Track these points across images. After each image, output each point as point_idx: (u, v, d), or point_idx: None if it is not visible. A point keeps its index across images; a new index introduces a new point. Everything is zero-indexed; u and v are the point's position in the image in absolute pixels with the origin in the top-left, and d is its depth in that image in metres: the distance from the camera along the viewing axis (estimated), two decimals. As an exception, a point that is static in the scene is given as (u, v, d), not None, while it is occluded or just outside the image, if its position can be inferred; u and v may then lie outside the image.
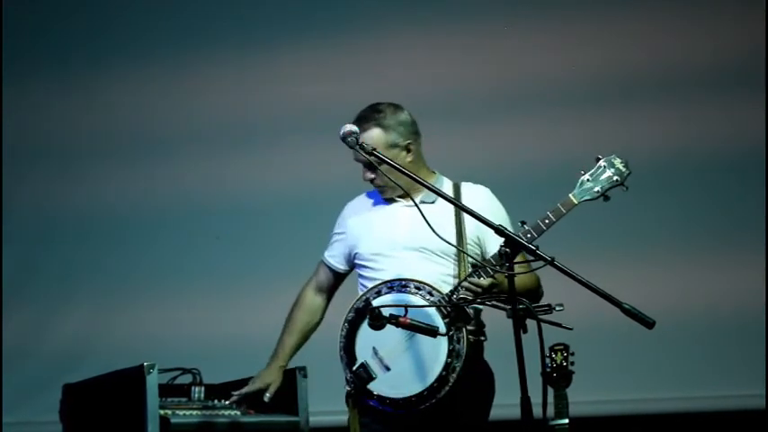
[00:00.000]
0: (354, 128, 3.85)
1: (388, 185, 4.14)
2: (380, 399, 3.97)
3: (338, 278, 4.36)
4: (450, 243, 3.90)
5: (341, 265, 4.33)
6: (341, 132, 3.87)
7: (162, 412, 4.23)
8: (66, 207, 6.54)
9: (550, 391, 3.47)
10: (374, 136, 4.12)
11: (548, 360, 3.48)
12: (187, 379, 4.62)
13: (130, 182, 6.50)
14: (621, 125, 6.12)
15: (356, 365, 3.99)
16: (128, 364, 4.31)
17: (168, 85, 6.54)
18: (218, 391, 4.57)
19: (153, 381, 4.20)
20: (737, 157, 6.03)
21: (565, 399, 3.48)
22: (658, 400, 6.03)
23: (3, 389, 6.29)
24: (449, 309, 3.85)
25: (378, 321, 3.65)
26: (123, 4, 6.61)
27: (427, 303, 3.91)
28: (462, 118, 6.22)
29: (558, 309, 3.43)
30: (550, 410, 3.45)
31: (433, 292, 3.97)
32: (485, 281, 3.89)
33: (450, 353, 3.89)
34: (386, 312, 3.67)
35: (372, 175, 4.14)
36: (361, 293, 4.13)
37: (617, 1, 6.24)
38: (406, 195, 4.08)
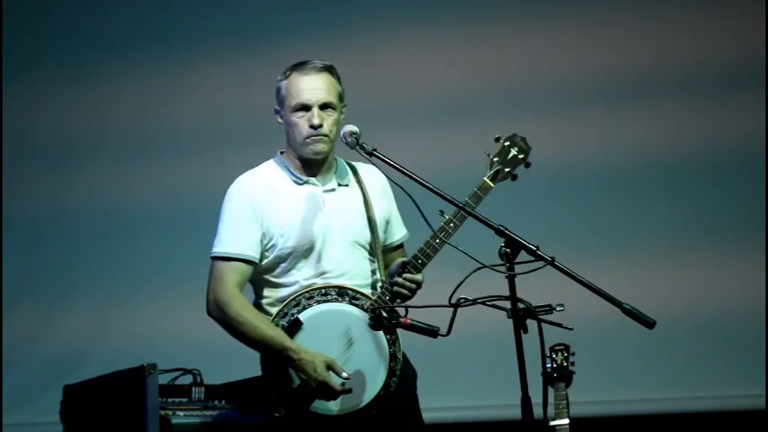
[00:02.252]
0: (355, 128, 3.84)
1: (331, 137, 3.87)
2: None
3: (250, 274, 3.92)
4: (455, 247, 3.88)
5: (257, 255, 3.89)
6: (341, 132, 3.86)
7: (162, 413, 4.24)
8: (67, 208, 6.54)
9: (551, 391, 3.46)
10: (330, 80, 3.92)
11: (548, 360, 3.48)
12: (187, 379, 4.62)
13: (131, 182, 6.50)
14: (621, 126, 6.12)
15: (294, 386, 3.79)
16: (128, 364, 4.31)
17: (165, 86, 6.54)
18: (218, 392, 4.57)
19: (153, 381, 4.20)
20: (737, 157, 6.03)
21: (565, 399, 3.48)
22: (658, 400, 6.03)
23: (3, 390, 6.29)
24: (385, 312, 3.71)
25: (379, 322, 3.64)
26: (122, 7, 6.61)
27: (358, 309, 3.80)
28: (462, 118, 6.22)
29: (558, 309, 3.42)
30: (551, 411, 3.45)
31: (358, 296, 3.86)
32: (419, 276, 3.82)
33: (392, 357, 3.84)
34: (385, 313, 3.65)
35: (320, 121, 3.86)
36: (276, 308, 3.88)
37: (617, 1, 6.23)
38: (320, 173, 3.92)
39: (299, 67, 3.95)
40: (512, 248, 3.45)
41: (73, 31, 6.63)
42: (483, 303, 3.55)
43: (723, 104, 6.07)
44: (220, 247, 3.92)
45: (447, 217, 3.80)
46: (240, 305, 3.87)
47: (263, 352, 3.86)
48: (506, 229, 3.55)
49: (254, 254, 3.89)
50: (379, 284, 3.95)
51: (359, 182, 4.01)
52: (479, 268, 3.72)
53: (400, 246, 4.08)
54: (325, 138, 3.88)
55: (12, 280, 6.48)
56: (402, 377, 3.90)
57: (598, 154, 5.99)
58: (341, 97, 3.97)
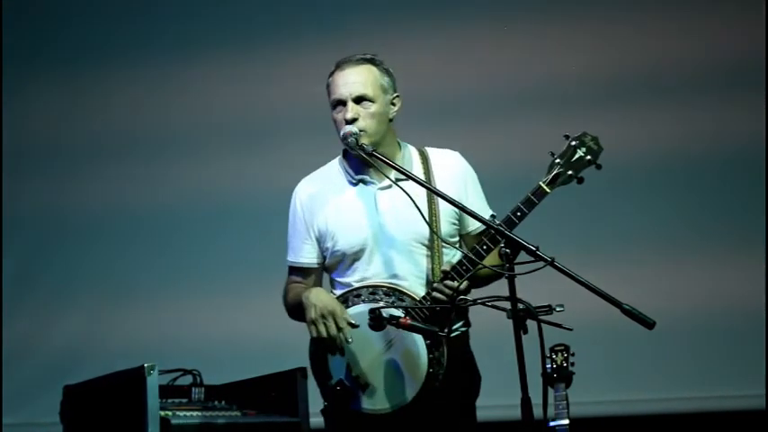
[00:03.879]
0: (355, 129, 3.82)
1: (369, 131, 3.80)
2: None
3: (321, 273, 3.96)
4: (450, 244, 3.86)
5: (314, 259, 3.93)
6: (341, 132, 3.85)
7: (162, 413, 4.24)
8: (66, 209, 6.55)
9: (551, 391, 3.46)
10: (369, 72, 3.86)
11: (548, 361, 3.47)
12: (187, 380, 4.63)
13: (130, 183, 6.50)
14: (621, 125, 6.12)
15: (333, 383, 3.77)
16: (128, 365, 4.31)
17: (166, 86, 6.54)
18: (218, 392, 4.57)
19: (153, 382, 4.20)
20: (737, 157, 6.03)
21: (565, 399, 3.48)
22: (658, 400, 6.03)
23: (3, 390, 6.29)
24: (425, 314, 3.70)
25: (378, 322, 3.63)
26: (122, 6, 6.61)
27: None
28: (462, 118, 6.22)
29: (558, 309, 3.42)
30: (551, 411, 3.45)
31: (404, 297, 3.78)
32: (456, 283, 3.71)
33: (432, 362, 3.75)
34: (386, 313, 3.64)
35: (354, 115, 3.79)
36: None
37: (617, 1, 6.24)
38: (375, 171, 3.85)
39: (340, 63, 3.90)
40: (512, 249, 3.45)
41: (72, 30, 6.63)
42: (483, 303, 3.55)
43: (723, 104, 6.07)
44: (287, 256, 3.98)
45: (496, 222, 3.66)
46: (286, 292, 3.96)
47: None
48: (506, 229, 3.55)
49: (308, 260, 3.93)
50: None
51: (426, 171, 3.88)
52: (479, 268, 3.72)
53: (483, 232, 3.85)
54: (362, 133, 3.78)
55: (12, 280, 6.48)
56: (455, 384, 3.82)
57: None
58: (385, 88, 3.87)
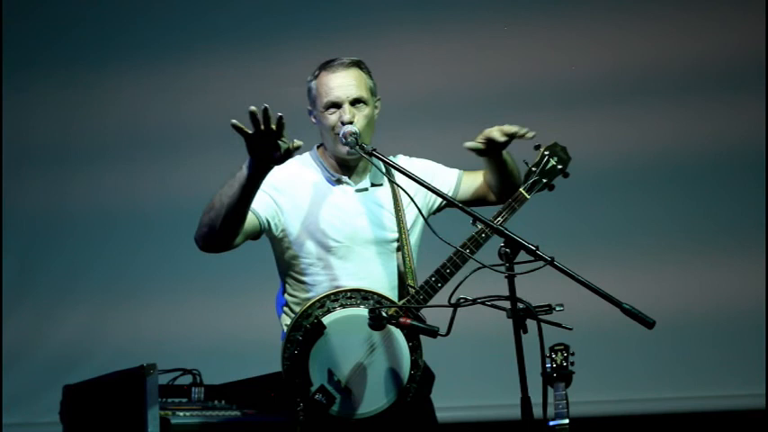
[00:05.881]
0: (355, 128, 3.83)
1: (363, 132, 3.81)
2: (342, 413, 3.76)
3: (249, 234, 3.81)
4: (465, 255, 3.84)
5: (266, 219, 3.80)
6: (341, 132, 3.85)
7: (162, 413, 4.24)
8: (66, 208, 6.54)
9: (551, 391, 3.46)
10: (360, 75, 3.90)
11: (548, 360, 3.48)
12: (187, 380, 4.63)
13: (129, 182, 6.50)
14: (621, 125, 6.12)
15: (313, 390, 3.70)
16: (128, 364, 4.31)
17: (166, 85, 6.54)
18: (217, 392, 4.57)
19: (153, 381, 4.20)
20: (737, 156, 6.04)
21: (565, 399, 3.48)
22: (658, 400, 6.03)
23: (3, 390, 6.29)
24: (414, 313, 3.73)
25: (379, 322, 3.63)
26: (123, 6, 6.62)
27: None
28: (461, 118, 6.22)
29: (558, 309, 3.42)
30: (551, 410, 3.45)
31: (383, 300, 3.79)
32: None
33: (413, 364, 3.79)
34: (385, 313, 3.64)
35: (351, 117, 3.82)
36: (300, 308, 3.79)
37: (616, 1, 6.24)
38: (355, 173, 3.90)
39: (327, 65, 3.92)
40: (511, 248, 3.45)
41: (73, 30, 6.63)
42: (483, 303, 3.55)
43: (723, 104, 6.08)
44: None
45: (479, 227, 3.75)
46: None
47: (248, 196, 3.64)
48: (506, 228, 3.55)
49: (259, 209, 3.77)
50: (409, 287, 3.89)
51: (388, 173, 3.93)
52: (479, 268, 3.71)
53: (465, 179, 4.03)
54: (354, 136, 3.78)
55: (12, 280, 6.48)
56: (419, 382, 3.85)
57: (597, 153, 5.99)
58: (372, 91, 3.93)
